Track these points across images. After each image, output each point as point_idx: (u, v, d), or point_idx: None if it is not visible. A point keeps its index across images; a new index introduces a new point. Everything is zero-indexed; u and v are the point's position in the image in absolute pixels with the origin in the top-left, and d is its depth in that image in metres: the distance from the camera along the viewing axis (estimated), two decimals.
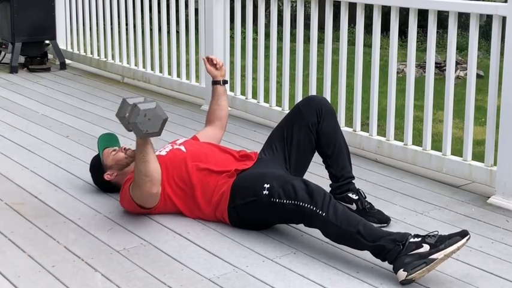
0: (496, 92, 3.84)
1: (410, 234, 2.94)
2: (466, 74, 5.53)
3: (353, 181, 3.57)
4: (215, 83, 3.91)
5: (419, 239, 2.90)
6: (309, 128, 3.54)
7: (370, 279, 2.92)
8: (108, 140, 3.74)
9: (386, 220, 3.46)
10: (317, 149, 3.60)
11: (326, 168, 3.61)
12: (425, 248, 2.87)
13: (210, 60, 3.88)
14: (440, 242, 2.87)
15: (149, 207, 3.41)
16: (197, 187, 3.40)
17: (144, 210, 3.44)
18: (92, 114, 5.42)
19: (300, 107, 3.61)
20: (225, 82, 3.92)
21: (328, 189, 3.55)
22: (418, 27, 4.21)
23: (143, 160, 3.22)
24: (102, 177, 3.67)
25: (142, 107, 3.11)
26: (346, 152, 3.58)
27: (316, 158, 3.64)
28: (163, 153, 3.54)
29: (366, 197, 3.54)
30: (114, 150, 3.65)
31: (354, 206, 3.49)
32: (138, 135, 3.17)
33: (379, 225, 3.38)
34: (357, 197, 3.51)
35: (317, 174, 3.89)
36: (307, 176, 3.54)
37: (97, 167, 3.71)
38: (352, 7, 4.54)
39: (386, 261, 2.94)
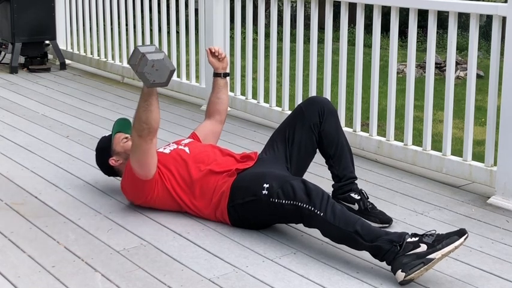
0: (496, 92, 3.84)
1: (408, 234, 2.94)
2: (466, 74, 5.53)
3: (355, 181, 3.57)
4: (216, 75, 3.89)
5: (417, 238, 2.90)
6: (311, 129, 3.54)
7: (369, 280, 2.92)
8: (123, 126, 3.73)
9: (388, 220, 3.46)
10: (319, 149, 3.60)
11: (329, 168, 3.61)
12: (423, 247, 2.87)
13: (212, 52, 3.86)
14: (437, 241, 2.87)
15: (148, 173, 3.38)
16: (198, 188, 3.41)
17: (145, 191, 3.42)
18: (92, 115, 5.42)
19: (302, 107, 3.61)
20: (226, 75, 3.90)
21: (330, 189, 3.55)
22: (418, 27, 4.21)
23: (145, 109, 3.28)
24: (107, 161, 3.66)
25: (150, 57, 3.15)
26: (348, 152, 3.58)
27: (317, 158, 3.65)
28: (166, 151, 3.55)
29: (368, 198, 3.54)
30: (126, 138, 3.64)
31: (356, 206, 3.49)
32: (146, 84, 3.23)
33: (381, 225, 3.38)
34: (359, 197, 3.52)
35: (317, 174, 3.90)
36: (307, 176, 3.54)
37: (105, 149, 3.69)
38: (352, 7, 4.54)
39: (384, 262, 2.94)
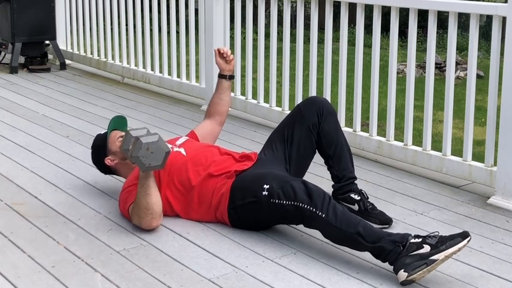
0: (496, 92, 3.84)
1: (411, 235, 2.93)
2: (466, 74, 5.53)
3: (355, 181, 3.57)
4: (221, 76, 3.87)
5: (420, 239, 2.90)
6: (310, 129, 3.54)
7: (370, 280, 2.92)
8: (119, 123, 3.69)
9: (388, 221, 3.45)
10: (318, 150, 3.59)
11: (328, 169, 3.61)
12: (426, 248, 2.86)
13: (220, 53, 3.84)
14: (441, 242, 2.87)
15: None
16: (197, 192, 3.38)
17: None
18: (92, 115, 5.42)
19: (301, 107, 3.60)
20: (231, 77, 3.88)
21: (329, 189, 3.55)
22: (418, 27, 4.21)
23: (144, 193, 3.21)
24: (103, 160, 3.65)
25: (144, 140, 3.09)
26: (347, 153, 3.58)
27: (316, 158, 3.64)
28: None
29: (368, 198, 3.54)
30: (122, 136, 3.55)
31: (355, 207, 3.49)
32: (141, 169, 3.16)
33: (381, 226, 3.38)
34: (359, 198, 3.51)
35: (317, 174, 3.90)
36: (307, 177, 3.54)
37: (101, 147, 3.66)
38: (352, 7, 4.54)
39: (387, 262, 2.94)
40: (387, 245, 2.91)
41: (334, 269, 3.01)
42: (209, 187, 3.36)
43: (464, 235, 2.90)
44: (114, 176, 3.88)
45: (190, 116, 5.44)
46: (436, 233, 2.92)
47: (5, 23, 7.00)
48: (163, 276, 2.92)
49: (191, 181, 3.38)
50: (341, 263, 3.05)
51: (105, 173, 3.77)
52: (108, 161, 3.63)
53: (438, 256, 2.84)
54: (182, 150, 3.51)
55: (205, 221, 3.41)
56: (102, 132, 3.74)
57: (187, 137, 3.74)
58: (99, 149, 3.67)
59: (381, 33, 4.50)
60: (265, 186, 3.19)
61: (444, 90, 4.07)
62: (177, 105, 5.80)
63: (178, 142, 3.61)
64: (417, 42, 4.25)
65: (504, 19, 3.69)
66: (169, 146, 3.27)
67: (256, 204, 3.22)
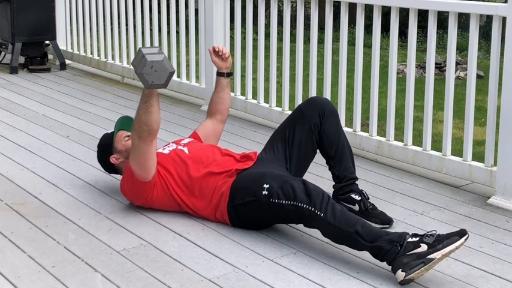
0: (496, 92, 3.84)
1: (408, 234, 2.94)
2: (466, 74, 5.53)
3: (356, 182, 3.57)
4: (219, 74, 3.87)
5: (417, 238, 2.90)
6: (311, 129, 3.54)
7: (370, 280, 2.92)
8: (126, 123, 3.71)
9: (388, 221, 3.45)
10: (320, 150, 3.60)
11: (329, 169, 3.61)
12: (423, 247, 2.87)
13: (216, 52, 3.83)
14: (438, 241, 2.87)
15: (147, 174, 3.38)
16: (197, 188, 3.40)
17: (144, 192, 3.42)
18: (92, 115, 5.42)
19: (302, 108, 3.60)
20: (229, 74, 3.88)
21: (330, 190, 3.55)
22: (418, 27, 4.21)
23: (146, 110, 3.27)
24: (108, 158, 3.66)
25: (149, 58, 3.15)
26: (349, 153, 3.58)
27: (317, 158, 3.64)
28: (165, 151, 3.54)
29: (368, 198, 3.54)
30: (128, 136, 3.62)
31: (356, 207, 3.49)
32: (144, 85, 3.23)
33: (382, 226, 3.38)
34: (359, 198, 3.51)
35: (317, 174, 3.90)
36: (307, 177, 3.54)
37: (106, 146, 3.69)
38: (352, 7, 4.54)
39: (385, 262, 2.94)
40: (385, 244, 2.92)
41: (334, 269, 3.01)
42: (210, 184, 3.37)
43: (461, 233, 2.90)
44: (115, 176, 3.89)
45: (190, 116, 5.44)
46: (434, 232, 2.93)
47: (5, 23, 7.00)
48: (163, 276, 2.92)
49: (191, 176, 3.41)
50: (341, 263, 3.05)
51: (109, 172, 3.79)
52: (113, 159, 3.65)
53: (435, 255, 2.85)
54: (186, 149, 3.55)
55: (205, 216, 3.42)
56: (109, 132, 3.77)
57: (191, 138, 3.75)
58: (105, 148, 3.70)
59: (381, 33, 4.50)
60: (265, 185, 3.20)
61: (444, 90, 4.07)
62: (177, 106, 5.80)
63: (183, 142, 3.66)
64: (417, 42, 4.25)
65: (504, 19, 3.69)
66: (174, 66, 3.29)
67: (255, 204, 3.23)
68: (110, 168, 3.74)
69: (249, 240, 3.26)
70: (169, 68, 3.18)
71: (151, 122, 3.28)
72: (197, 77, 5.87)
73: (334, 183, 3.60)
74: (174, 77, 6.04)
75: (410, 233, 2.95)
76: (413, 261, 2.85)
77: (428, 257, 2.85)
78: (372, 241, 2.95)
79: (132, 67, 6.44)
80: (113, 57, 6.80)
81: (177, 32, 6.06)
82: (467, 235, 2.90)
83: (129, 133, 3.62)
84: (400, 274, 2.86)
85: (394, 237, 2.93)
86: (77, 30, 7.21)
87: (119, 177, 3.83)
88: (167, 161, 3.46)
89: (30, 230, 3.35)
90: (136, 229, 3.35)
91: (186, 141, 3.68)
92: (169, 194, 3.44)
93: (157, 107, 3.30)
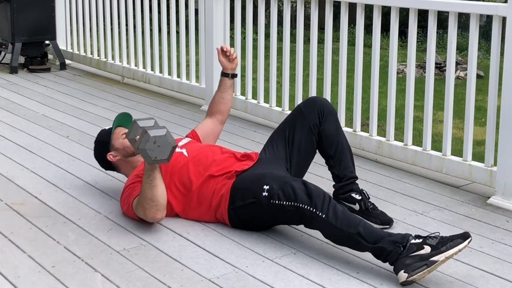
0: (496, 92, 3.84)
1: (411, 235, 2.93)
2: (466, 74, 5.53)
3: (356, 181, 3.57)
4: (224, 74, 3.86)
5: (421, 240, 2.90)
6: (311, 129, 3.54)
7: (370, 280, 2.92)
8: (124, 120, 3.68)
9: (389, 221, 3.45)
10: (319, 150, 3.59)
11: (329, 169, 3.60)
12: (427, 249, 2.86)
13: (224, 52, 3.82)
14: (441, 243, 2.86)
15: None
16: (197, 192, 3.38)
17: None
18: (92, 115, 5.42)
19: (302, 108, 3.60)
20: (234, 76, 3.87)
21: (330, 189, 3.55)
22: (418, 27, 4.21)
23: (150, 185, 3.18)
24: (105, 155, 3.64)
25: (152, 133, 3.07)
26: (348, 152, 3.58)
27: (317, 158, 3.64)
28: None
29: (369, 198, 3.54)
30: (125, 133, 3.53)
31: (356, 207, 3.49)
32: (147, 162, 3.14)
33: (382, 226, 3.37)
34: (360, 197, 3.51)
35: (317, 174, 3.90)
36: (307, 177, 3.54)
37: (104, 143, 3.66)
38: (352, 7, 4.54)
39: (387, 263, 2.93)
40: (388, 245, 2.91)
41: (334, 269, 3.01)
42: (209, 188, 3.36)
43: (465, 236, 2.89)
44: (115, 176, 3.88)
45: (190, 116, 5.44)
46: (437, 234, 2.92)
47: (5, 23, 7.00)
48: (163, 276, 2.92)
49: (192, 182, 3.38)
50: (341, 263, 3.05)
51: (106, 169, 3.77)
52: (110, 156, 3.62)
53: (439, 257, 2.84)
54: (184, 151, 3.51)
55: (205, 221, 3.41)
56: (107, 128, 3.74)
57: (190, 138, 3.74)
58: (102, 145, 3.67)
59: (381, 33, 4.50)
60: (265, 187, 3.19)
61: (444, 90, 4.07)
62: (177, 105, 5.80)
63: (181, 143, 3.61)
64: (417, 42, 4.25)
65: (504, 19, 3.69)
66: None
67: (256, 205, 3.22)
68: (106, 165, 3.72)
69: (249, 240, 3.26)
70: (172, 143, 3.11)
71: (157, 197, 3.20)
72: (197, 77, 5.87)
73: (334, 183, 3.60)
74: (174, 77, 6.05)
75: (413, 235, 2.94)
76: (416, 262, 2.84)
77: (432, 259, 2.84)
78: (374, 242, 2.94)
79: (132, 67, 6.52)
80: (113, 57, 6.79)
81: (177, 32, 6.06)
82: (470, 238, 2.89)
83: (127, 130, 3.56)
84: (403, 275, 2.85)
85: (397, 239, 2.92)
86: (77, 30, 7.21)
87: (119, 177, 3.83)
88: (166, 166, 3.37)
89: (30, 230, 3.35)
90: (136, 229, 3.35)
91: (185, 141, 3.65)
92: (168, 210, 3.38)
93: (160, 180, 3.21)
